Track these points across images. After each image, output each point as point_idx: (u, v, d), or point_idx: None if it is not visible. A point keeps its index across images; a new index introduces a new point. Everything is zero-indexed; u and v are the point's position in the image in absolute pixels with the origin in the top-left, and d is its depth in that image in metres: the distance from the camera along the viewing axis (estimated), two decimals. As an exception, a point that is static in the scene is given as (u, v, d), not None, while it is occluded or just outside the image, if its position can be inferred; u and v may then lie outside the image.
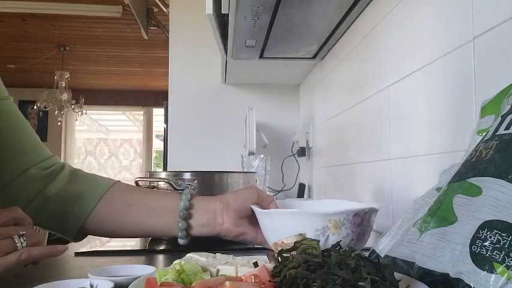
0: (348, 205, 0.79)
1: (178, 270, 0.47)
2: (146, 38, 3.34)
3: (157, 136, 6.48)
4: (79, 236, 0.80)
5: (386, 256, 0.51)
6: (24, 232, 0.57)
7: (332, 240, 0.62)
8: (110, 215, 0.78)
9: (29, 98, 5.84)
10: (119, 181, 0.82)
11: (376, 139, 1.17)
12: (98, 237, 1.04)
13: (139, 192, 0.84)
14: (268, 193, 1.64)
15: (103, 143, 6.96)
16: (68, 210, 0.77)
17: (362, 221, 0.65)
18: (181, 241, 0.76)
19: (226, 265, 0.51)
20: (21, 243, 0.56)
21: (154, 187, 1.02)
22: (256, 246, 0.96)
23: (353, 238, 0.64)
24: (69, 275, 0.68)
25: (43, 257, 0.59)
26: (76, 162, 6.61)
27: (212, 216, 0.76)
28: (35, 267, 0.63)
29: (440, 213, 0.46)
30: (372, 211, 0.67)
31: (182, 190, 0.79)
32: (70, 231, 0.79)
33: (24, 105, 6.12)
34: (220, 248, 0.75)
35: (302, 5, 1.18)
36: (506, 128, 0.45)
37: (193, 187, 0.88)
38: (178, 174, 1.00)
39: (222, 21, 1.40)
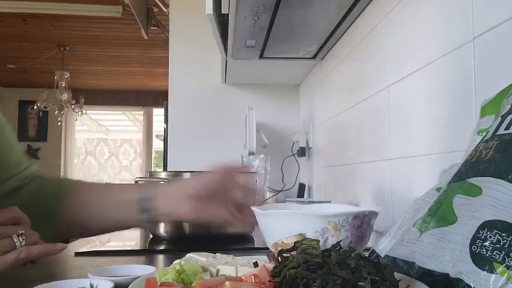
0: (348, 207, 0.79)
1: (178, 270, 0.47)
2: (146, 38, 3.33)
3: (157, 136, 6.48)
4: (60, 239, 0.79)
5: (386, 256, 0.51)
6: (23, 231, 0.57)
7: (331, 242, 0.61)
8: (76, 218, 0.79)
9: (29, 98, 5.84)
10: (78, 181, 0.83)
11: (376, 139, 1.17)
12: (98, 237, 1.04)
13: (100, 189, 0.83)
14: (268, 193, 1.60)
15: (103, 143, 6.96)
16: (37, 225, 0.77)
17: (361, 223, 0.65)
18: (145, 226, 0.76)
19: (226, 265, 0.51)
20: (20, 242, 0.56)
21: (154, 187, 1.02)
22: (256, 246, 0.96)
23: (352, 241, 0.64)
24: (69, 275, 0.68)
25: (42, 255, 0.59)
26: (76, 162, 6.61)
27: (170, 203, 0.75)
28: (35, 267, 0.63)
29: (440, 213, 0.46)
30: (372, 214, 0.67)
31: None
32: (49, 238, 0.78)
33: (24, 105, 6.13)
34: (220, 248, 0.75)
35: (302, 5, 1.18)
36: (506, 128, 0.45)
37: (166, 180, 0.85)
38: (178, 174, 1.00)
39: (222, 21, 1.39)
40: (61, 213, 0.77)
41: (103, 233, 0.86)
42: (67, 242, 0.86)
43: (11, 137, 0.81)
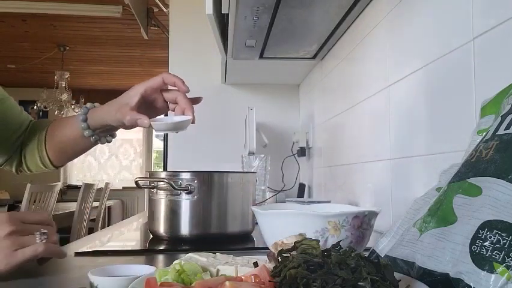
0: (348, 207, 0.79)
1: (178, 270, 0.47)
2: (146, 38, 3.34)
3: (157, 136, 6.48)
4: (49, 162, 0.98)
5: (386, 256, 0.51)
6: (45, 231, 0.65)
7: (331, 242, 0.62)
8: (52, 140, 0.96)
9: (29, 98, 5.84)
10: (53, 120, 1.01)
11: (376, 139, 1.17)
12: (99, 237, 1.04)
13: (65, 118, 1.00)
14: (268, 193, 1.61)
15: (103, 143, 6.96)
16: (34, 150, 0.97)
17: (361, 223, 0.65)
18: (85, 133, 0.89)
19: (226, 265, 0.51)
20: (41, 239, 0.65)
21: (154, 187, 1.02)
22: (256, 246, 0.96)
23: (352, 241, 0.64)
24: (69, 274, 0.68)
25: (55, 254, 0.67)
26: (76, 162, 6.61)
27: (103, 111, 0.88)
28: (36, 266, 0.66)
29: (440, 213, 0.46)
30: (372, 214, 0.67)
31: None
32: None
33: (24, 105, 6.09)
34: (220, 248, 0.75)
35: (302, 5, 1.18)
36: (506, 128, 0.45)
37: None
38: (177, 174, 1.00)
39: (222, 21, 1.39)
40: (44, 146, 0.96)
41: (72, 149, 0.97)
42: (67, 243, 0.87)
43: (14, 103, 0.98)
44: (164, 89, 0.87)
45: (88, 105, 0.91)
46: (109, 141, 0.95)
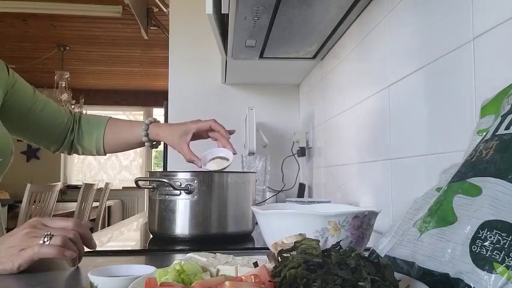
0: (348, 207, 0.79)
1: (178, 270, 0.47)
2: (146, 38, 3.33)
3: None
4: (104, 152, 1.20)
5: (386, 256, 0.51)
6: (53, 234, 0.66)
7: (331, 242, 0.62)
8: (110, 137, 1.17)
9: (29, 98, 5.83)
10: (110, 117, 1.21)
11: (376, 139, 1.17)
12: (98, 237, 1.04)
13: (122, 122, 1.22)
14: (268, 193, 1.62)
15: (103, 143, 6.95)
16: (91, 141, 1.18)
17: (361, 223, 0.65)
18: (146, 143, 1.14)
19: (226, 265, 0.51)
20: (44, 241, 0.65)
21: (154, 187, 1.02)
22: (256, 246, 0.96)
23: (352, 241, 0.64)
24: (69, 274, 0.68)
25: (51, 255, 0.66)
26: (76, 162, 6.61)
27: (160, 131, 1.14)
28: (35, 266, 0.66)
29: (440, 213, 0.46)
30: (372, 214, 0.67)
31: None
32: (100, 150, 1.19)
33: (24, 105, 6.10)
34: (220, 248, 0.75)
35: (302, 5, 1.18)
36: (506, 128, 0.45)
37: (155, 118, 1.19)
38: (177, 174, 1.00)
39: (222, 21, 1.39)
40: (102, 143, 1.17)
41: (126, 147, 1.20)
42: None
43: (54, 105, 1.17)
44: (210, 130, 1.14)
45: (147, 121, 1.14)
46: (158, 146, 1.22)
